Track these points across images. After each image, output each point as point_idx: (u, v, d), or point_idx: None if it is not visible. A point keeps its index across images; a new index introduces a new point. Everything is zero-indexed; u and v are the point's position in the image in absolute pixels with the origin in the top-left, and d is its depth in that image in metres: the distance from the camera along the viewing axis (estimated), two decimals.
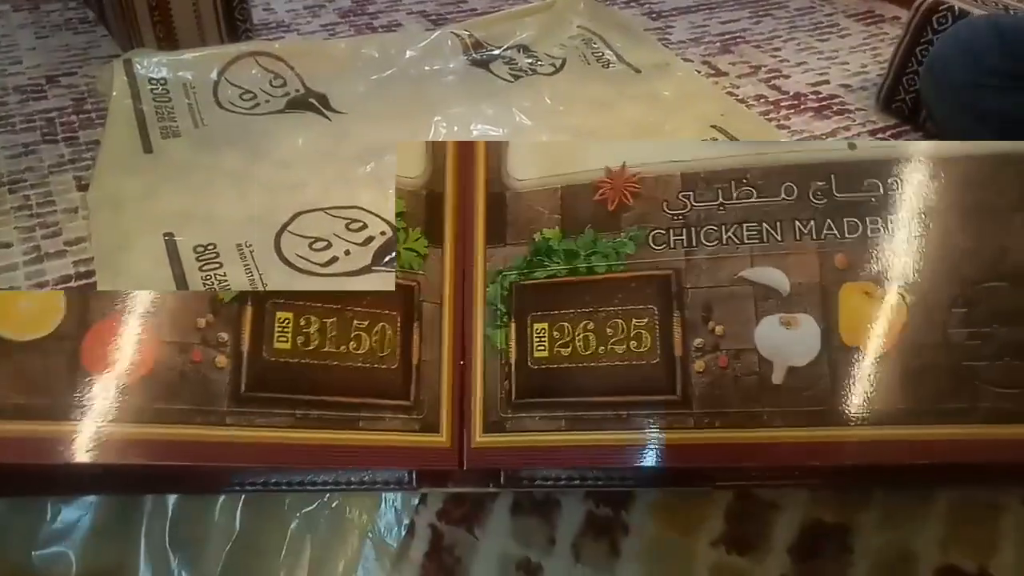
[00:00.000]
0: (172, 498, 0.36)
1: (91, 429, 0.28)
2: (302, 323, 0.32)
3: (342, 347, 0.33)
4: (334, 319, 0.33)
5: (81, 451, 0.28)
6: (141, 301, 0.30)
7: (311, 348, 0.32)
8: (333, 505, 0.37)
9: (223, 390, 0.31)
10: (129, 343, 0.30)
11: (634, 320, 0.34)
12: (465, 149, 0.37)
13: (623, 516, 0.36)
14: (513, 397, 0.34)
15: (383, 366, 0.34)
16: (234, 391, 0.31)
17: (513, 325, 0.35)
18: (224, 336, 0.31)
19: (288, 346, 0.32)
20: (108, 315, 0.30)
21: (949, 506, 0.35)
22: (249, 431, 0.31)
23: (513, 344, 0.35)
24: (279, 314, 0.32)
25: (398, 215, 0.35)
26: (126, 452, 0.29)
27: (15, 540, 0.35)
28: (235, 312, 0.32)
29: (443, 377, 0.35)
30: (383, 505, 0.37)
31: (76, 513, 0.35)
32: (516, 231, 0.36)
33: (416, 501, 0.37)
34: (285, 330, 0.32)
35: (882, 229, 0.32)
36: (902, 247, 0.32)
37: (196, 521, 0.36)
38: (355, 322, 0.33)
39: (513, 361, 0.35)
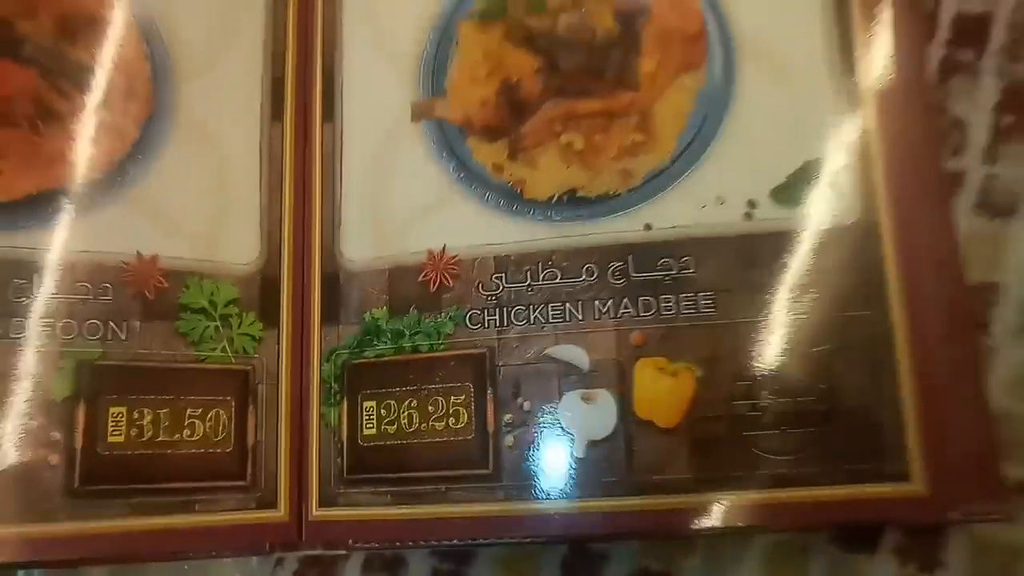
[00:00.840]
0: None
1: None
2: (135, 416, 0.34)
3: (176, 435, 0.35)
4: (167, 409, 0.35)
5: None
6: None
7: (145, 439, 0.34)
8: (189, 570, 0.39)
9: (57, 487, 0.33)
10: None
11: (452, 397, 0.36)
12: (301, 229, 0.39)
13: (466, 571, 0.39)
14: (345, 473, 0.36)
15: (218, 450, 0.36)
16: (68, 487, 0.33)
17: (345, 403, 0.37)
18: (57, 436, 0.33)
19: (122, 439, 0.34)
20: None
21: (764, 550, 0.37)
22: (85, 524, 0.33)
23: (345, 421, 0.37)
24: (112, 409, 0.34)
25: (231, 302, 0.37)
26: None
27: None
28: (68, 410, 0.33)
29: (281, 455, 0.37)
30: (244, 570, 0.39)
31: None
32: (348, 311, 0.38)
33: (273, 565, 0.39)
34: (119, 424, 0.34)
35: (675, 307, 0.34)
36: (692, 324, 0.34)
37: None
38: (188, 410, 0.35)
39: (345, 438, 0.37)
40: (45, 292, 0.34)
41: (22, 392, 0.33)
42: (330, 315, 0.38)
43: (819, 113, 0.35)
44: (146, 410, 0.35)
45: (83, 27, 0.37)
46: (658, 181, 0.36)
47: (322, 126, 0.40)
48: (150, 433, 0.34)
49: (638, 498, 0.33)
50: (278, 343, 0.38)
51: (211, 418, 0.36)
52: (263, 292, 0.38)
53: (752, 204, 0.35)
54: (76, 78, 0.36)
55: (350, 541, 0.35)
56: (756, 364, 0.33)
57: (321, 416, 0.37)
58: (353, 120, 0.40)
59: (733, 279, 0.34)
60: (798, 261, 0.34)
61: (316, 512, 0.36)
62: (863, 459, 0.32)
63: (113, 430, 0.34)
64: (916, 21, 0.36)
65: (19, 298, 0.34)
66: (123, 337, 0.35)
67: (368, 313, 0.37)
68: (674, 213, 0.35)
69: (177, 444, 0.35)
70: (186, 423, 0.35)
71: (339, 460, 0.36)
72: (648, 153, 0.36)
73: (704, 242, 0.35)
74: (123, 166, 0.36)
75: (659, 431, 0.33)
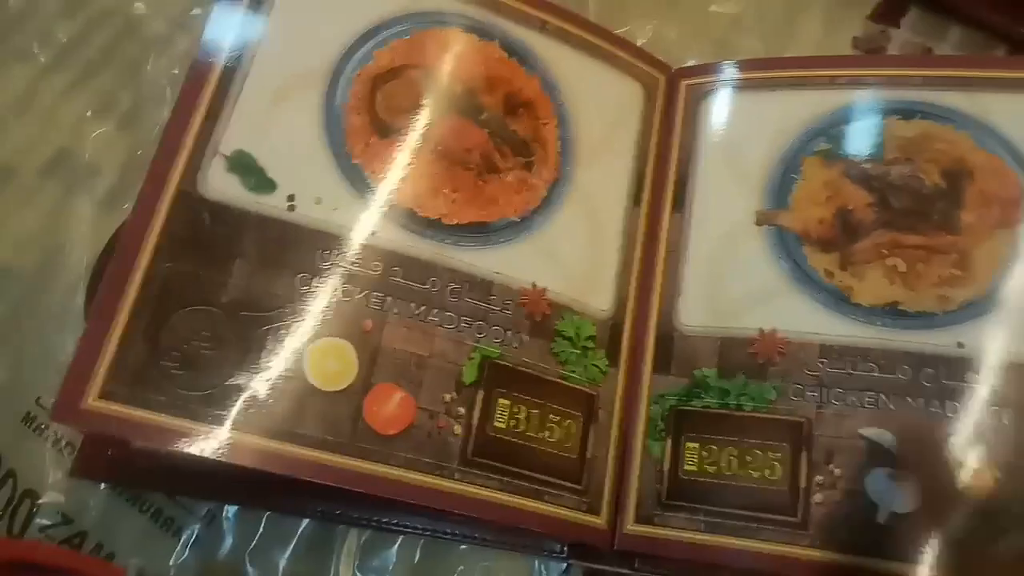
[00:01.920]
0: (364, 534, 0.44)
1: (359, 465, 0.38)
2: (515, 410, 0.41)
3: (540, 434, 0.42)
4: (537, 410, 0.42)
5: (351, 481, 0.37)
6: (409, 372, 0.40)
7: (519, 430, 0.41)
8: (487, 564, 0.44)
9: (456, 452, 0.40)
10: (396, 404, 0.39)
11: (770, 453, 0.42)
12: (644, 293, 0.47)
13: None
14: (663, 498, 0.42)
15: (565, 454, 0.42)
16: (463, 454, 0.40)
17: (669, 440, 0.43)
18: (462, 411, 0.40)
19: (504, 426, 0.41)
20: (385, 380, 0.39)
21: None
22: (469, 487, 0.39)
23: (668, 455, 0.43)
24: (501, 400, 0.41)
25: (590, 338, 0.44)
26: (380, 486, 0.38)
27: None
28: (471, 393, 0.41)
29: (608, 472, 0.43)
30: (532, 573, 0.44)
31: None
32: (679, 365, 0.45)
33: (562, 571, 0.45)
34: (504, 413, 0.41)
35: (980, 412, 0.40)
36: (995, 431, 0.40)
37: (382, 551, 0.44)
38: (551, 415, 0.42)
39: (667, 469, 0.42)
40: (470, 299, 0.42)
41: (445, 370, 0.41)
42: (662, 366, 0.45)
43: None
44: (523, 407, 0.42)
45: (522, 108, 0.47)
46: (974, 308, 0.42)
47: (671, 215, 0.48)
48: (523, 426, 0.41)
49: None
50: (617, 379, 0.45)
51: (565, 426, 0.42)
52: (611, 336, 0.45)
53: None
54: (513, 144, 0.46)
55: (660, 553, 0.41)
56: None
57: (645, 447, 0.43)
58: (701, 214, 0.48)
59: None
60: None
61: (632, 526, 0.42)
62: None
63: (499, 416, 0.41)
64: None
65: (452, 298, 0.42)
66: (515, 345, 0.42)
67: (698, 370, 0.44)
68: (985, 338, 0.41)
69: (539, 441, 0.41)
70: (547, 425, 0.42)
71: (659, 486, 0.42)
72: (965, 286, 0.43)
73: (1014, 367, 0.40)
74: (532, 214, 0.45)
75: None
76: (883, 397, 0.41)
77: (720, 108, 0.50)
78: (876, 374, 0.42)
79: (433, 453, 0.39)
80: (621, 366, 0.45)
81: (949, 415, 0.40)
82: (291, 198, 0.40)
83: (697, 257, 0.47)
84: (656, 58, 0.52)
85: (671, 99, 0.51)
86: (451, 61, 0.46)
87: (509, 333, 0.42)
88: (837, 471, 0.40)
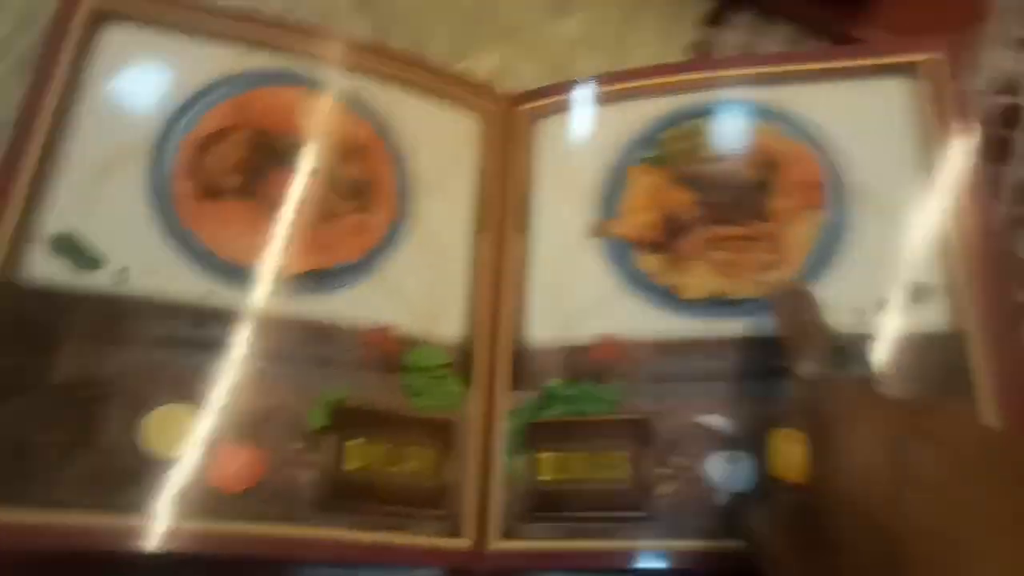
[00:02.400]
0: None
1: (209, 527, 0.38)
2: (368, 449, 0.42)
3: (396, 467, 0.43)
4: (391, 445, 0.43)
5: (202, 544, 0.38)
6: (254, 428, 0.41)
7: (373, 468, 0.42)
8: None
9: (309, 498, 0.40)
10: (242, 461, 0.40)
11: (616, 453, 0.43)
12: (494, 316, 0.48)
13: None
14: (524, 511, 0.43)
15: (425, 483, 0.43)
16: (317, 500, 0.40)
17: (526, 454, 0.45)
18: (313, 457, 0.41)
19: (358, 465, 0.42)
20: (230, 439, 0.40)
21: None
22: (326, 531, 0.40)
23: (525, 469, 0.44)
24: (351, 442, 0.42)
25: (442, 365, 0.46)
26: (231, 545, 0.39)
27: None
28: (321, 439, 0.42)
29: (470, 493, 0.44)
30: None
31: None
32: (531, 380, 0.46)
33: None
34: (355, 454, 0.42)
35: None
36: None
37: None
38: (406, 448, 0.43)
39: (525, 482, 0.44)
40: (312, 346, 0.43)
41: (292, 420, 0.42)
42: (516, 383, 0.47)
43: (915, 244, 0.44)
44: (376, 444, 0.43)
45: (355, 153, 0.48)
46: None
47: (516, 236, 0.50)
48: (378, 463, 0.43)
49: None
50: (473, 402, 0.46)
51: (422, 456, 0.44)
52: (464, 361, 0.47)
53: (860, 312, 0.43)
54: (347, 189, 0.47)
55: (528, 566, 0.42)
56: None
57: (504, 464, 0.45)
58: (541, 233, 0.50)
59: None
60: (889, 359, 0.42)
61: (496, 544, 0.43)
62: None
63: (351, 457, 0.42)
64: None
65: (294, 348, 0.43)
66: (363, 386, 0.44)
67: (548, 382, 0.46)
68: None
69: (396, 475, 0.43)
70: (404, 457, 0.43)
71: (520, 500, 0.44)
72: (780, 269, 0.45)
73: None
74: (372, 255, 0.47)
75: (790, 487, 0.40)
76: (716, 385, 0.43)
77: (555, 130, 0.52)
78: (707, 364, 0.44)
79: (285, 503, 0.40)
80: (478, 388, 0.47)
81: (775, 393, 0.42)
82: (123, 272, 0.41)
83: (541, 274, 0.49)
84: (492, 89, 0.54)
85: (509, 126, 0.53)
86: (278, 117, 0.47)
87: (356, 374, 0.44)
88: (679, 461, 0.42)
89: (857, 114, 0.48)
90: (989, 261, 0.43)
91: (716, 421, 0.42)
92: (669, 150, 0.49)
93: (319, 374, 0.43)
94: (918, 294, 0.43)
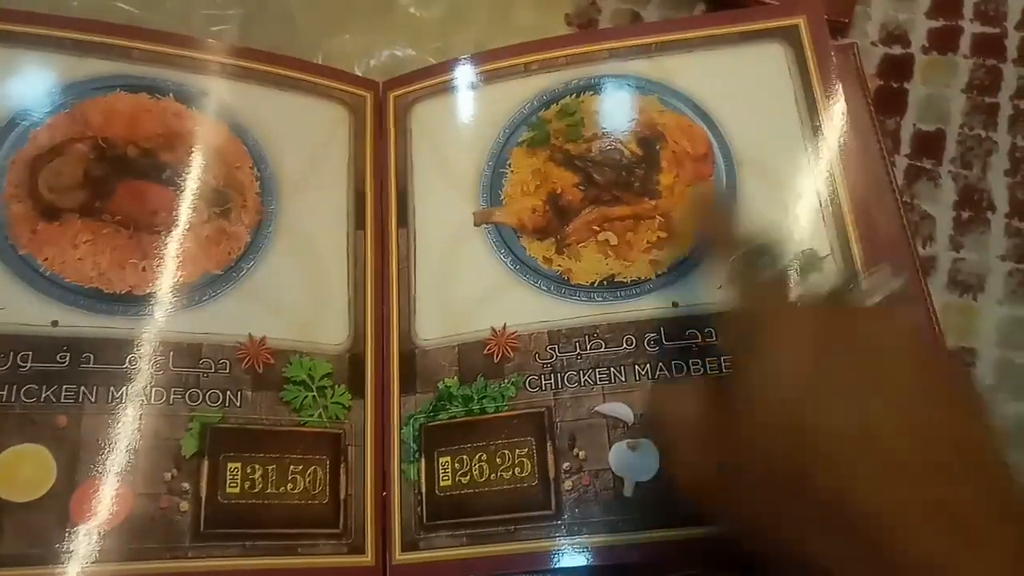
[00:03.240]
0: None
1: (76, 570, 0.35)
2: (248, 471, 0.39)
3: (281, 488, 0.39)
4: (274, 465, 0.40)
5: None
6: (119, 460, 0.37)
7: (256, 491, 0.39)
8: None
9: (186, 529, 0.37)
10: (109, 497, 0.36)
11: (517, 450, 0.41)
12: (381, 316, 0.45)
13: None
14: (424, 520, 0.40)
15: (316, 502, 0.40)
16: (195, 530, 0.37)
17: (423, 460, 0.42)
18: (187, 486, 0.38)
19: (238, 490, 0.39)
20: (92, 475, 0.36)
21: None
22: (207, 562, 0.37)
23: (423, 476, 0.41)
24: (230, 464, 0.39)
25: (326, 375, 0.43)
26: None
27: None
28: (195, 464, 0.38)
29: (367, 507, 0.41)
30: None
31: None
32: (424, 382, 0.43)
33: None
34: (235, 477, 0.39)
35: (701, 367, 0.40)
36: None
37: None
38: (291, 467, 0.40)
39: (424, 490, 0.41)
40: (178, 367, 0.39)
41: (161, 448, 0.38)
42: (407, 386, 0.43)
43: (808, 213, 0.43)
44: (257, 466, 0.39)
45: (210, 157, 0.44)
46: (681, 268, 0.42)
47: (397, 232, 0.47)
48: (260, 485, 0.39)
49: (684, 530, 0.38)
50: (364, 411, 0.43)
51: (310, 474, 0.40)
52: (351, 368, 0.43)
53: None
54: (204, 196, 0.43)
55: None
56: None
57: (402, 472, 0.42)
58: (424, 226, 0.47)
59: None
60: None
61: (399, 556, 0.40)
62: None
63: (231, 482, 0.39)
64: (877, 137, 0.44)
65: (158, 371, 0.39)
66: (238, 404, 0.40)
67: (441, 382, 0.43)
68: (696, 294, 0.42)
69: (282, 496, 0.39)
70: (289, 478, 0.40)
71: (419, 509, 0.41)
72: (671, 246, 0.43)
73: (720, 316, 0.41)
74: (238, 263, 0.43)
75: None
76: (613, 371, 0.41)
77: (431, 115, 0.49)
78: (603, 350, 0.42)
79: (160, 537, 0.36)
80: (368, 396, 0.43)
81: (676, 374, 0.41)
82: None
83: (425, 269, 0.46)
84: (359, 76, 0.51)
85: (381, 114, 0.50)
86: (119, 126, 0.43)
87: (229, 393, 0.40)
88: (582, 454, 0.40)
89: (739, 81, 0.46)
90: (879, 222, 0.42)
91: (617, 409, 0.41)
92: (549, 129, 0.47)
93: (188, 395, 0.39)
94: (810, 263, 0.42)
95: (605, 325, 0.42)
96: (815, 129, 0.44)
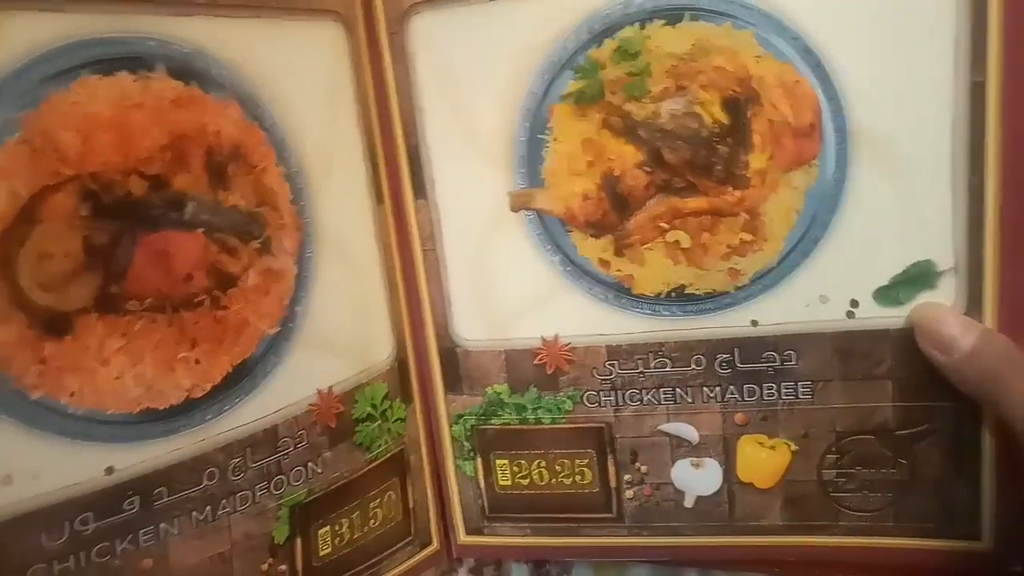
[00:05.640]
0: None
1: None
2: (336, 528, 0.37)
3: (365, 528, 0.38)
4: (357, 513, 0.37)
5: None
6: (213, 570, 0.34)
7: (345, 543, 0.37)
8: None
9: None
10: None
11: (576, 461, 0.39)
12: (416, 306, 0.39)
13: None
14: (487, 512, 0.40)
15: (392, 523, 0.39)
16: None
17: (479, 458, 0.40)
18: (283, 567, 0.35)
19: (330, 550, 0.37)
20: None
21: None
22: None
23: (480, 473, 0.40)
24: (320, 531, 0.36)
25: (384, 397, 0.38)
26: None
27: None
28: (289, 546, 0.35)
29: (430, 504, 0.41)
30: None
31: None
32: (470, 384, 0.39)
33: None
34: (327, 540, 0.37)
35: (775, 393, 0.36)
36: (791, 408, 0.36)
37: None
38: (371, 505, 0.38)
39: (483, 486, 0.40)
40: (257, 461, 0.34)
41: (254, 546, 0.34)
42: (453, 386, 0.39)
43: (933, 213, 0.33)
44: (343, 520, 0.37)
45: (229, 162, 0.31)
46: (766, 280, 0.35)
47: (415, 203, 0.37)
48: (348, 537, 0.37)
49: (736, 537, 0.39)
50: (415, 415, 0.40)
51: (385, 502, 0.39)
52: (400, 376, 0.39)
53: (854, 303, 0.35)
54: (238, 229, 0.32)
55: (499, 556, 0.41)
56: (846, 441, 0.36)
57: (457, 467, 0.41)
58: (447, 201, 0.37)
59: (831, 371, 0.35)
60: (894, 356, 0.35)
61: (464, 538, 0.41)
62: (936, 520, 0.35)
63: (323, 547, 0.37)
64: None
65: (238, 475, 0.34)
66: (319, 471, 0.36)
67: (491, 388, 0.39)
68: (780, 311, 0.35)
69: (366, 535, 0.38)
70: (370, 515, 0.38)
71: (480, 502, 0.41)
72: (756, 252, 0.35)
73: (806, 338, 0.35)
74: (292, 310, 0.34)
75: (757, 491, 0.37)
76: (679, 391, 0.37)
77: (433, 34, 0.35)
78: (668, 369, 0.37)
79: None
80: (415, 398, 0.40)
81: (747, 399, 0.37)
82: None
83: (457, 255, 0.37)
84: None
85: (371, 26, 0.35)
86: (106, 145, 0.28)
87: (311, 464, 0.36)
88: (644, 468, 0.38)
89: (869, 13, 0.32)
90: None
91: (682, 429, 0.38)
92: (603, 79, 0.34)
93: (273, 485, 0.35)
94: (922, 278, 0.34)
95: (672, 343, 0.37)
96: (975, 112, 0.32)
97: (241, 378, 0.33)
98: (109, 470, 0.30)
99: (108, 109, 0.28)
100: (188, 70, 0.30)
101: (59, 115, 0.27)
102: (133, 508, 0.31)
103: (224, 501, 0.33)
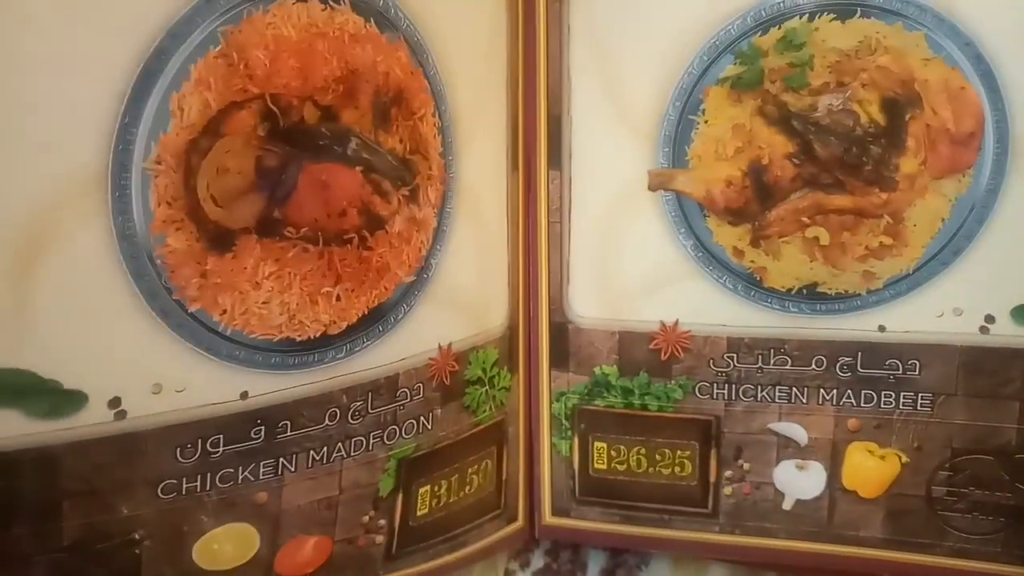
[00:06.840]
0: None
1: None
2: (435, 489, 0.36)
3: (461, 494, 0.37)
4: (456, 476, 0.37)
5: None
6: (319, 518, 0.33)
7: (441, 506, 0.36)
8: None
9: (380, 557, 0.35)
10: (309, 550, 0.33)
11: (678, 452, 0.38)
12: (530, 280, 0.38)
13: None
14: (577, 494, 0.39)
15: (484, 493, 0.38)
16: (387, 555, 0.35)
17: (576, 439, 0.39)
18: (383, 522, 0.35)
19: (427, 511, 0.36)
20: (293, 536, 0.33)
21: None
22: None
23: (576, 453, 0.40)
24: (421, 490, 0.36)
25: (494, 363, 0.37)
26: None
27: None
28: (391, 501, 0.35)
29: (520, 478, 0.40)
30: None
31: None
32: (578, 362, 0.38)
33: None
34: (425, 499, 0.36)
35: (894, 402, 0.36)
36: (907, 418, 0.36)
37: None
38: (469, 471, 0.37)
39: (576, 467, 0.39)
40: (377, 408, 0.34)
41: (360, 495, 0.34)
42: (559, 362, 0.39)
43: None
44: (443, 482, 0.36)
45: (392, 105, 0.31)
46: (899, 286, 0.34)
47: (548, 174, 0.37)
48: (445, 500, 0.36)
49: (832, 545, 0.38)
50: (518, 386, 0.39)
51: (481, 470, 0.38)
52: (510, 344, 0.38)
53: (990, 319, 0.34)
54: (392, 173, 0.31)
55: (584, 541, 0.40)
56: (962, 459, 0.36)
57: (552, 445, 0.40)
58: (582, 173, 0.36)
59: (955, 385, 0.35)
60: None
61: (549, 519, 0.41)
62: None
63: (420, 506, 0.36)
64: None
65: (356, 419, 0.33)
66: (429, 427, 0.35)
67: (599, 368, 0.38)
68: (910, 319, 0.34)
69: (460, 500, 0.37)
70: (467, 481, 0.37)
71: (572, 483, 0.40)
72: (894, 257, 0.34)
73: (933, 348, 0.34)
74: (428, 262, 0.33)
75: (860, 500, 0.36)
76: (795, 391, 0.36)
77: (595, 7, 0.35)
78: (788, 367, 0.36)
79: (357, 570, 0.35)
80: (519, 369, 0.39)
81: (863, 404, 0.36)
82: (115, 402, 0.27)
83: (581, 229, 0.37)
84: None
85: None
86: (289, 68, 0.28)
87: (422, 418, 0.35)
88: (746, 466, 0.38)
89: None
90: None
91: (792, 430, 0.37)
92: (764, 67, 0.34)
93: (386, 435, 0.34)
94: None
95: (795, 341, 0.36)
96: None
97: (375, 321, 0.32)
98: (244, 395, 0.30)
99: (297, 34, 0.28)
100: (369, 7, 0.30)
101: (256, 34, 0.27)
102: (259, 438, 0.30)
103: (340, 445, 0.33)
